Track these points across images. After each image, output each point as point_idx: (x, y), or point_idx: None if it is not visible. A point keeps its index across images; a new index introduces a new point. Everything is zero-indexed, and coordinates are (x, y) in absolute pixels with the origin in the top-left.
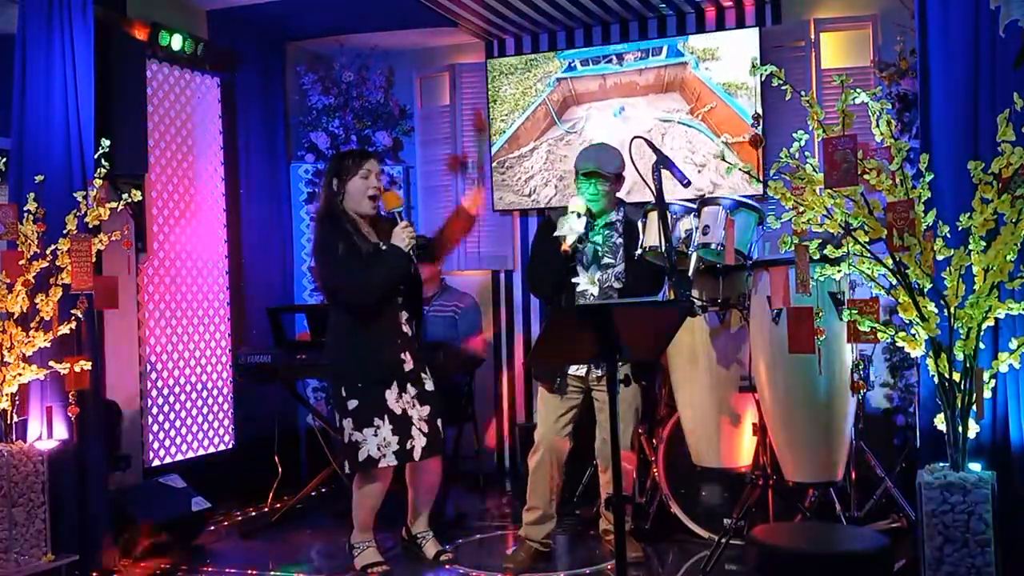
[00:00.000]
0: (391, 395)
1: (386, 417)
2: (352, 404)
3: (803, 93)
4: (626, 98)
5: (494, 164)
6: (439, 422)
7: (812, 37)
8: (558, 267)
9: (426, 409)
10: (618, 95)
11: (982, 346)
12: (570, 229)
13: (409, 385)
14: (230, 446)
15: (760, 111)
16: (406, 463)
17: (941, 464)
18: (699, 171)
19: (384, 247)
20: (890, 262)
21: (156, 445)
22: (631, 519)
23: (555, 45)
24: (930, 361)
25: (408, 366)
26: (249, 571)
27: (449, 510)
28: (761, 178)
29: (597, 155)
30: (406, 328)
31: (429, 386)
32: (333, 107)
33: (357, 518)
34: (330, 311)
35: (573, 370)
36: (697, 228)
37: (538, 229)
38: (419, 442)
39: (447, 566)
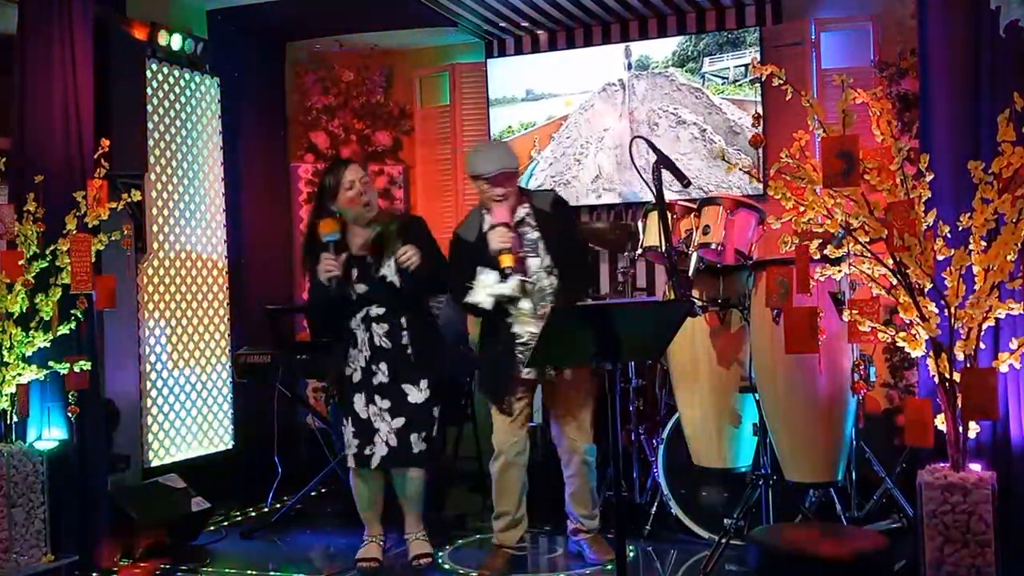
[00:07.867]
0: (359, 400)
1: (350, 419)
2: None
3: (803, 93)
4: None
5: None
6: (418, 435)
7: (812, 37)
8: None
9: (399, 421)
10: None
11: (982, 346)
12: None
13: (379, 397)
14: (230, 446)
15: (760, 111)
16: (365, 468)
17: (941, 464)
18: None
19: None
20: (890, 262)
21: (156, 445)
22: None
23: (555, 45)
24: (930, 361)
25: (380, 379)
26: (249, 571)
27: (449, 510)
28: (761, 178)
29: (496, 154)
30: (382, 341)
31: (415, 398)
32: (333, 107)
33: None
34: None
35: (524, 374)
36: (697, 228)
37: (451, 246)
38: (380, 450)
39: (444, 567)
